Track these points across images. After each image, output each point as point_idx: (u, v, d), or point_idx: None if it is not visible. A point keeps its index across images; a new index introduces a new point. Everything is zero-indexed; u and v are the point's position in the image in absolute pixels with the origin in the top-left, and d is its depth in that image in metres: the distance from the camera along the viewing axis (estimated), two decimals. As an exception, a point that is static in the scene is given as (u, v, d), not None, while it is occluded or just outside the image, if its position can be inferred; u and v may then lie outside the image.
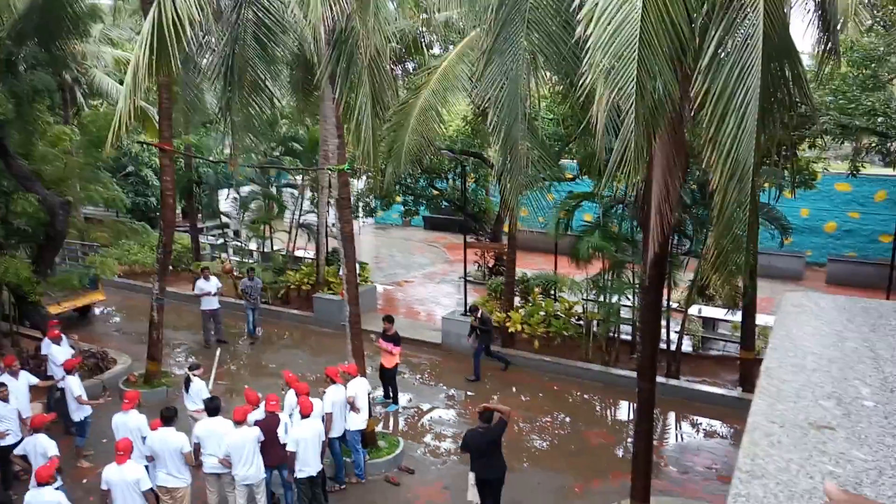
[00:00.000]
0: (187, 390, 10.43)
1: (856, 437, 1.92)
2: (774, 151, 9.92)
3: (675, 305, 13.74)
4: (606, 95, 4.89)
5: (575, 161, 14.76)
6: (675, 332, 13.49)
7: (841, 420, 2.02)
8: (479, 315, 13.86)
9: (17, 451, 8.89)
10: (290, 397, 9.67)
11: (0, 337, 14.37)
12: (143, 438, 8.78)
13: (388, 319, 12.57)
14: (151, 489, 8.29)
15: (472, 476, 8.62)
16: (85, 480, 10.21)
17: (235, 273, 18.01)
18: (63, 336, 11.91)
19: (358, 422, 9.99)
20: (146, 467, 8.70)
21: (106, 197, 14.16)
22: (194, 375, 10.42)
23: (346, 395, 9.81)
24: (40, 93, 11.34)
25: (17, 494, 8.87)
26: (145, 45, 7.65)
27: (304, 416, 8.87)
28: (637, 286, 12.90)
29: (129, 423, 8.98)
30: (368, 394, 10.43)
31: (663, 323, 12.86)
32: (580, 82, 5.10)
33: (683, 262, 13.45)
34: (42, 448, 8.42)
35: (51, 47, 11.45)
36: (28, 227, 13.52)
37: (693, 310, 14.04)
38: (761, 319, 12.77)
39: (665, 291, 11.82)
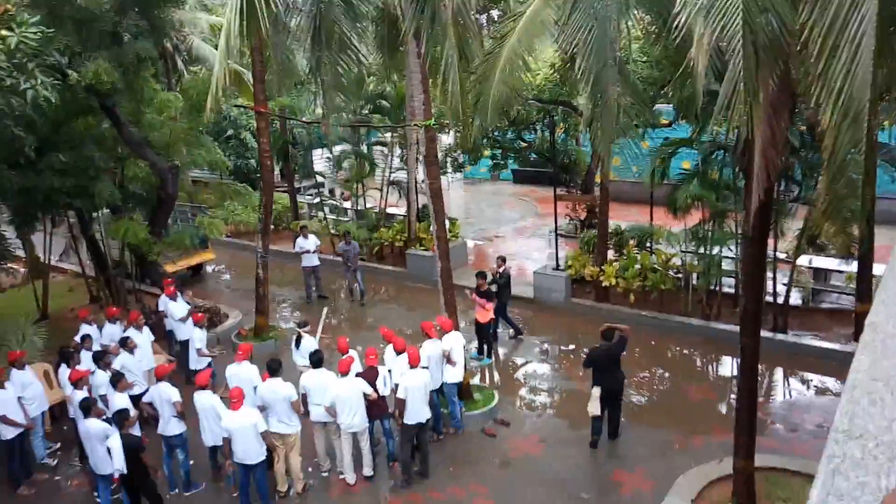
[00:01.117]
0: (298, 347, 10.84)
1: (966, 396, 1.73)
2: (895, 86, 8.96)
3: (782, 256, 12.96)
4: (707, 35, 4.54)
5: (671, 105, 14.00)
6: (783, 284, 12.76)
7: None
8: (501, 271, 13.16)
9: (145, 399, 9.72)
10: (389, 352, 9.99)
11: (125, 294, 15.64)
12: (255, 388, 9.32)
13: (481, 275, 12.62)
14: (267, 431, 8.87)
15: (597, 390, 9.47)
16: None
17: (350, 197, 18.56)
18: (178, 293, 12.79)
19: (455, 374, 10.20)
20: None
21: (209, 160, 14.86)
22: (304, 332, 10.90)
23: (441, 348, 10.03)
24: (144, 61, 11.96)
25: (148, 437, 9.69)
26: (235, 9, 7.86)
27: (413, 366, 9.16)
28: (740, 236, 12.23)
29: (241, 374, 9.55)
30: (463, 347, 10.60)
31: (769, 275, 12.17)
32: (675, 22, 4.77)
33: (791, 209, 12.59)
34: (166, 395, 9.12)
35: (151, 16, 12.00)
36: (142, 191, 14.49)
37: (802, 260, 13.19)
38: (879, 269, 11.84)
39: (770, 241, 11.15)
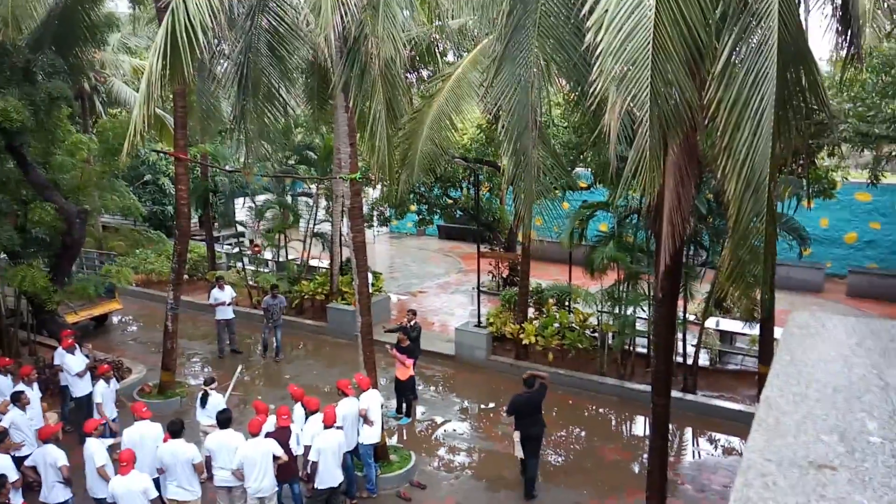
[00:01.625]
0: (203, 405, 10.22)
1: (859, 479, 1.77)
2: (791, 160, 9.70)
3: (691, 318, 13.51)
4: (619, 103, 4.79)
5: (589, 170, 14.62)
6: (692, 345, 13.26)
7: (844, 458, 1.87)
8: (412, 324, 13.05)
9: (27, 463, 8.83)
10: (298, 410, 9.61)
11: (18, 346, 14.50)
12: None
13: (402, 330, 12.48)
14: (160, 498, 8.24)
15: (517, 434, 9.85)
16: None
17: (260, 251, 18.27)
18: (77, 345, 11.94)
19: (371, 435, 9.88)
20: (157, 479, 8.67)
21: (122, 205, 14.24)
22: (211, 389, 10.30)
23: (358, 407, 9.74)
24: (56, 101, 11.44)
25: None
26: (159, 52, 7.69)
27: (327, 426, 8.82)
28: (652, 298, 12.70)
29: (145, 433, 8.90)
30: (381, 406, 10.34)
31: (679, 336, 12.64)
32: (591, 90, 5.01)
33: (700, 273, 13.24)
34: (52, 458, 8.40)
35: (68, 55, 11.57)
36: (46, 235, 13.64)
37: (710, 322, 13.80)
38: (780, 333, 12.50)
39: (680, 303, 11.61)
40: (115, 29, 13.70)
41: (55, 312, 14.07)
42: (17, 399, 9.81)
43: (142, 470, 8.62)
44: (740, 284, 5.89)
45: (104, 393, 10.74)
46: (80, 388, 11.50)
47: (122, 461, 7.85)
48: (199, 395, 10.46)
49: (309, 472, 8.80)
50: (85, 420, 11.40)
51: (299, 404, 9.55)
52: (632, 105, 4.60)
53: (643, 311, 13.62)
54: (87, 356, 11.97)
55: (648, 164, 4.65)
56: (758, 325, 12.38)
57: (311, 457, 8.72)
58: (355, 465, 10.03)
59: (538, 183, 6.90)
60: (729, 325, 14.28)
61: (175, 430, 8.55)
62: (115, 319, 18.73)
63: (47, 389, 12.30)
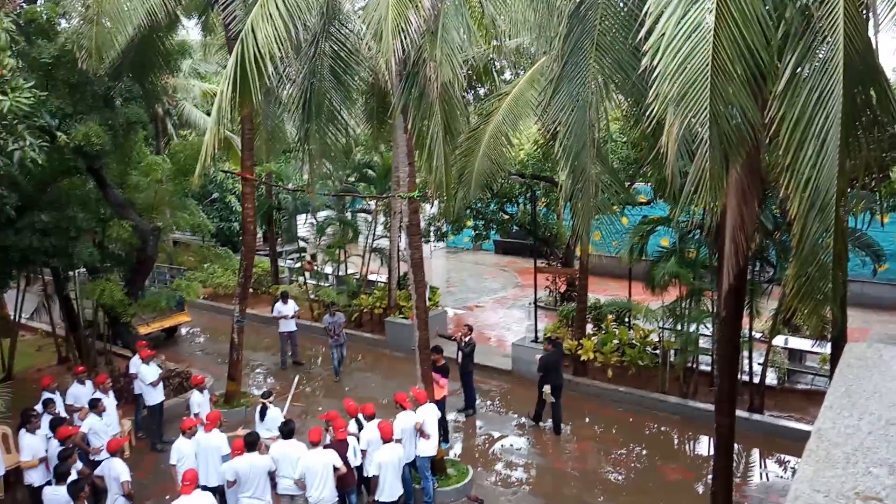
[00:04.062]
0: (262, 418, 10.51)
1: (904, 511, 1.76)
2: (863, 175, 9.35)
3: (758, 335, 13.08)
4: (677, 124, 4.76)
5: (649, 185, 14.40)
6: (759, 363, 12.82)
7: (891, 490, 1.85)
8: (467, 340, 13.20)
9: (96, 472, 9.11)
10: (352, 426, 9.80)
11: (95, 356, 15.28)
12: (224, 458, 9.05)
13: (437, 350, 12.15)
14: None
15: (548, 387, 12.25)
16: (168, 496, 10.56)
17: (315, 267, 18.75)
18: (152, 356, 12.50)
19: (428, 448, 9.96)
20: (220, 491, 8.93)
21: (192, 223, 14.89)
22: (269, 402, 10.60)
23: (415, 420, 9.85)
24: (134, 125, 12.12)
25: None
26: (229, 80, 8.07)
27: (386, 440, 8.96)
28: (716, 315, 12.37)
29: (211, 442, 9.25)
30: (439, 419, 10.41)
31: (745, 354, 12.25)
32: (649, 111, 5.00)
33: (767, 289, 12.81)
34: (115, 472, 8.64)
35: (144, 82, 12.25)
36: (122, 252, 14.39)
37: (778, 340, 13.32)
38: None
39: (746, 321, 11.28)
40: (187, 56, 14.42)
41: (129, 324, 14.80)
42: (95, 406, 10.33)
43: (207, 479, 8.97)
44: (808, 302, 5.72)
45: (200, 402, 11.20)
46: (153, 396, 12.03)
47: (186, 480, 7.87)
48: (258, 408, 10.78)
49: (371, 486, 8.94)
50: (158, 427, 12.06)
51: (354, 420, 9.74)
52: (692, 123, 4.56)
53: (707, 328, 13.26)
54: (159, 367, 12.53)
55: (709, 184, 4.60)
56: (829, 344, 11.88)
57: (372, 471, 8.87)
58: (413, 477, 10.13)
59: (596, 199, 6.90)
60: (798, 343, 13.75)
61: (251, 441, 8.73)
62: (183, 331, 19.50)
63: (122, 397, 12.92)
